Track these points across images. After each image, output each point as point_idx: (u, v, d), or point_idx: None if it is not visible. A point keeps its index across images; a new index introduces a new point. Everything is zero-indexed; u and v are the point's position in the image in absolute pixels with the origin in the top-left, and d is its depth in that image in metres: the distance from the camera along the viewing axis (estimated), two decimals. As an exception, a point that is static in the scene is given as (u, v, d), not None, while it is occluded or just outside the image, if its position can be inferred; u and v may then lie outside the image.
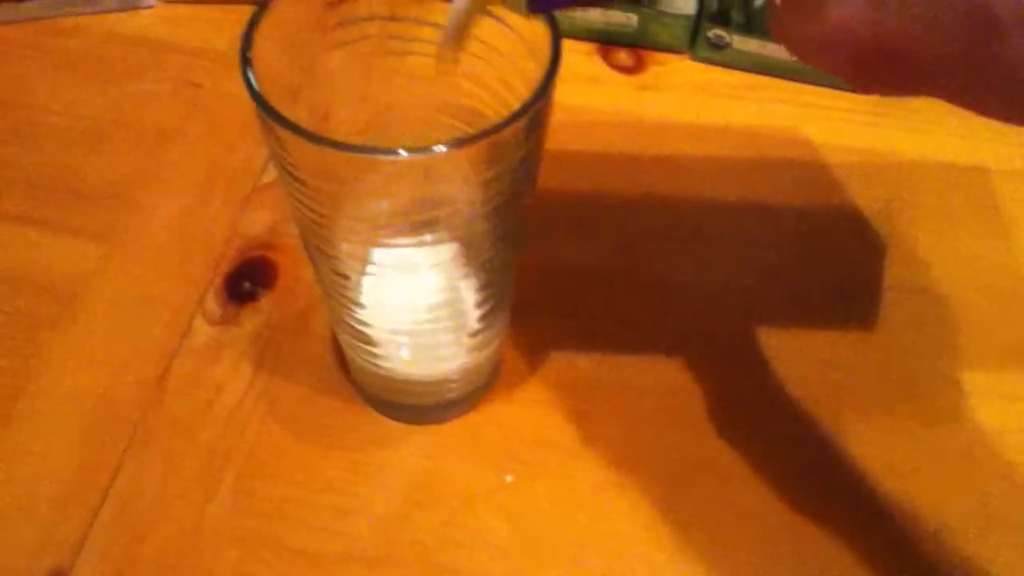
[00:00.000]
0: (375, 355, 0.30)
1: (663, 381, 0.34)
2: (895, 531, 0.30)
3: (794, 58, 0.42)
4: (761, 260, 0.37)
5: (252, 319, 0.35)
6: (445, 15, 0.25)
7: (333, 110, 0.30)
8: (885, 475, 0.32)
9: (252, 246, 0.37)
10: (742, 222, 0.39)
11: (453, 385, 0.32)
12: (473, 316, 0.29)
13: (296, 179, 0.24)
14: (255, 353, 0.34)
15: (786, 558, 0.30)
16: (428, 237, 0.25)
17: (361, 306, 0.28)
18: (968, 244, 0.38)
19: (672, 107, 0.43)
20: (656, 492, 0.31)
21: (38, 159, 0.40)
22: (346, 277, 0.27)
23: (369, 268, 0.27)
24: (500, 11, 0.26)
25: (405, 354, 0.30)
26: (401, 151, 0.22)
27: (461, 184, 0.24)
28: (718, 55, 0.45)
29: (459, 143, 0.22)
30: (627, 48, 0.46)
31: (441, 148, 0.22)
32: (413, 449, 0.32)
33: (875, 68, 0.18)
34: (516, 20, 0.26)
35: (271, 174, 0.40)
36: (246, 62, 0.23)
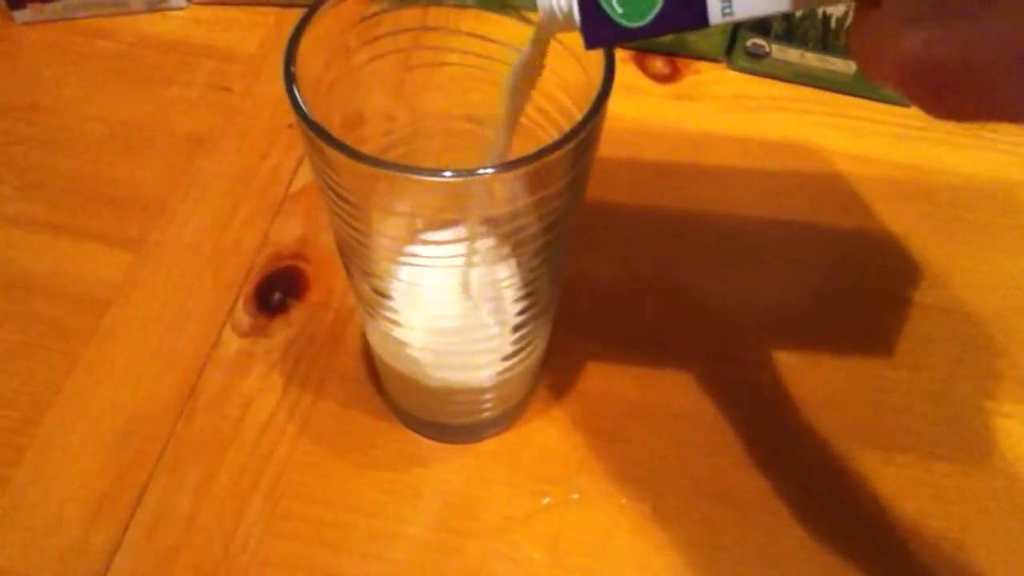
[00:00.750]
0: (411, 360, 0.29)
1: (705, 407, 0.33)
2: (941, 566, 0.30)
3: (841, 70, 0.42)
4: (801, 279, 0.37)
5: (283, 331, 0.35)
6: (505, 47, 0.25)
7: (366, 119, 0.29)
8: (925, 506, 0.31)
9: (283, 256, 0.37)
10: (780, 238, 0.38)
11: (488, 401, 0.31)
12: (513, 315, 0.28)
13: (340, 198, 0.23)
14: (286, 366, 0.34)
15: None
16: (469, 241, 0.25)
17: (395, 312, 0.27)
18: (1009, 263, 0.37)
19: (708, 118, 0.42)
20: (697, 522, 0.30)
21: (69, 165, 0.39)
22: (388, 297, 0.27)
23: (407, 273, 0.26)
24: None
25: (441, 359, 0.30)
26: (447, 172, 0.21)
27: (507, 202, 0.24)
28: (756, 65, 0.44)
29: (509, 166, 0.21)
30: (663, 56, 0.45)
31: (488, 170, 0.21)
32: (449, 469, 0.31)
33: (955, 97, 0.18)
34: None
35: (301, 181, 0.39)
36: (291, 78, 0.22)
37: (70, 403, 0.33)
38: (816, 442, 0.32)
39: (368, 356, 0.33)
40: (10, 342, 0.34)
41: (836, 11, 0.40)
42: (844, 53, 0.41)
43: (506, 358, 0.29)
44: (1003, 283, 0.37)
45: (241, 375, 0.33)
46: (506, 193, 0.23)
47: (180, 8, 0.46)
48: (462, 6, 0.28)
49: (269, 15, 0.46)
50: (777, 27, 0.42)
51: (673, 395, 0.33)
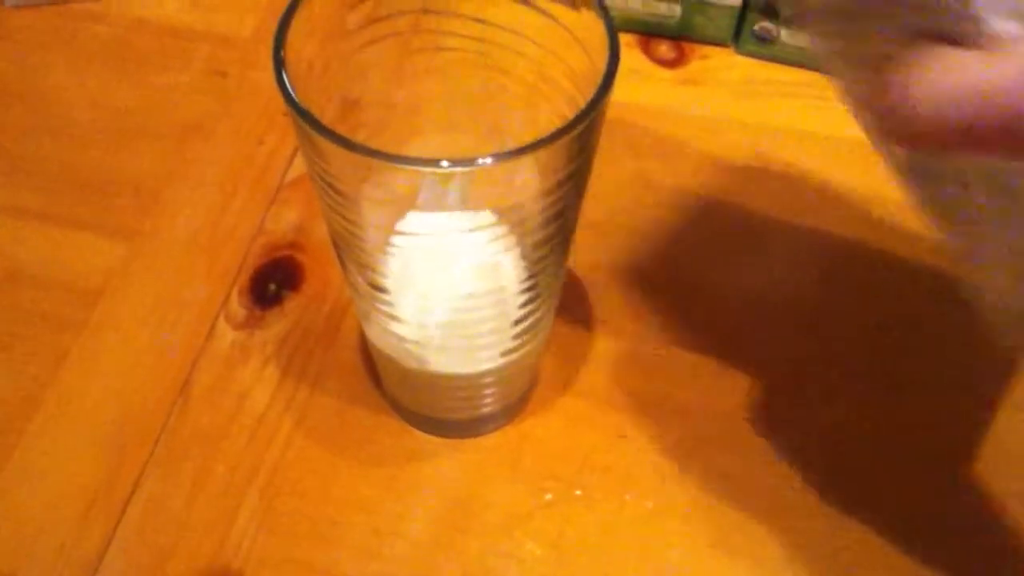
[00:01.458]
0: (410, 355, 0.28)
1: (711, 402, 0.32)
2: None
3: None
4: (812, 270, 0.36)
5: (278, 323, 0.34)
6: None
7: (363, 104, 0.29)
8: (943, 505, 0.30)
9: (278, 246, 0.36)
10: (792, 228, 0.37)
11: (489, 395, 0.30)
12: (515, 307, 0.27)
13: (333, 188, 0.22)
14: (282, 359, 0.33)
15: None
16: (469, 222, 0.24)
17: (392, 305, 0.26)
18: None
19: (716, 103, 0.41)
20: (703, 520, 0.30)
21: (59, 152, 0.38)
22: (384, 290, 0.26)
23: (403, 264, 0.26)
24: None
25: (441, 353, 0.29)
26: (444, 162, 0.20)
27: (508, 193, 0.23)
28: (764, 49, 0.43)
29: (508, 155, 0.20)
30: (669, 40, 0.44)
31: (487, 160, 0.20)
32: (449, 465, 0.31)
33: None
34: (558, 9, 0.24)
35: (297, 169, 0.38)
36: (280, 64, 0.21)
37: (61, 397, 0.32)
38: (826, 438, 0.31)
39: (366, 349, 0.33)
40: (-1, 334, 0.33)
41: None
42: None
43: (507, 351, 0.28)
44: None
45: (236, 368, 0.33)
46: (507, 183, 0.22)
47: (174, -9, 0.45)
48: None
49: (264, -1, 0.45)
50: (785, 10, 0.41)
51: (679, 389, 0.32)
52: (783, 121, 0.40)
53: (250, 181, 0.38)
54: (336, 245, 0.26)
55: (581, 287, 0.35)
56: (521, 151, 0.20)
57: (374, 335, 0.28)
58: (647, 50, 0.44)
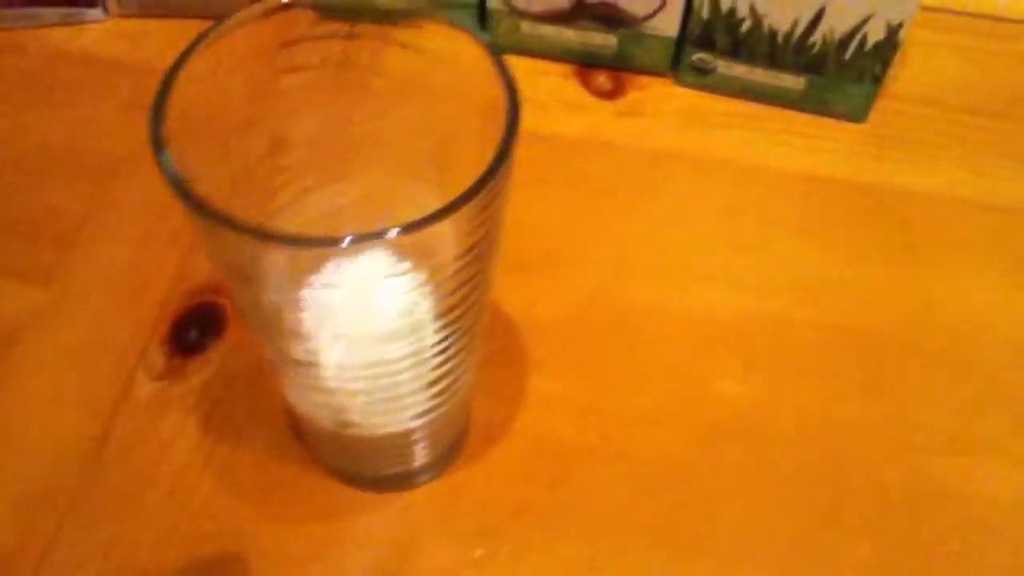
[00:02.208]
0: (329, 408, 0.27)
1: (649, 445, 0.31)
2: None
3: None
4: (756, 306, 0.35)
5: (199, 372, 0.32)
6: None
7: (287, 147, 0.28)
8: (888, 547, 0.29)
9: (201, 290, 0.34)
10: (734, 263, 0.36)
11: (415, 447, 0.29)
12: (433, 356, 0.26)
13: (236, 273, 0.21)
14: (203, 411, 0.31)
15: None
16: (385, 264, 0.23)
17: (307, 353, 0.25)
18: (982, 285, 0.36)
19: (655, 135, 0.41)
20: (640, 570, 0.29)
21: (-30, 193, 0.37)
22: (297, 338, 0.25)
23: (313, 317, 0.24)
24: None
25: (361, 403, 0.28)
26: (347, 239, 0.19)
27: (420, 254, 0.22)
28: (703, 79, 0.42)
29: (405, 229, 0.19)
30: (607, 71, 0.43)
31: (393, 232, 0.19)
32: (377, 522, 0.29)
33: None
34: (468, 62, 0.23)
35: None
36: (159, 144, 0.20)
37: (-34, 457, 0.30)
38: (769, 478, 0.31)
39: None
40: (-98, 389, 0.32)
41: (783, 26, 0.39)
42: (794, 68, 0.40)
43: (430, 396, 0.27)
44: (959, 299, 0.35)
45: (154, 422, 0.31)
46: (413, 248, 0.21)
47: (98, 21, 0.44)
48: (392, 20, 0.26)
49: (191, 27, 0.43)
50: (723, 42, 0.41)
51: (615, 432, 0.31)
52: (723, 152, 0.40)
53: (173, 222, 0.36)
54: (242, 310, 0.24)
55: (514, 327, 0.34)
56: (421, 223, 0.19)
57: (291, 394, 0.27)
58: (585, 81, 0.43)
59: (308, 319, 0.24)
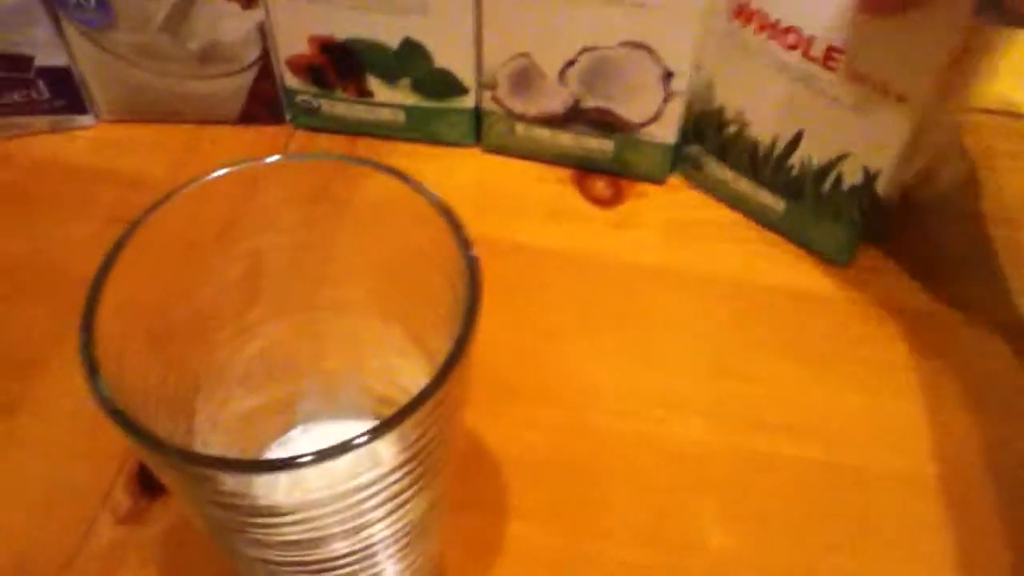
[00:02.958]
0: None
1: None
2: None
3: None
4: (747, 447, 0.33)
5: (163, 517, 0.31)
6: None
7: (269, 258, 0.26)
8: None
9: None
10: (727, 396, 0.34)
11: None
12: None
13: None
14: (162, 562, 0.30)
15: None
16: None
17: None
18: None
19: (646, 250, 0.39)
20: None
21: (-60, 316, 0.36)
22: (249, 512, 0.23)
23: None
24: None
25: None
26: (304, 457, 0.18)
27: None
28: (696, 176, 0.41)
29: (338, 450, 0.18)
30: (606, 176, 0.42)
31: (343, 459, 0.18)
32: None
33: None
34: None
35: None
36: (92, 366, 0.18)
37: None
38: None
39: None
40: None
41: (764, 139, 0.37)
42: (773, 186, 0.38)
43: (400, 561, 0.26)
44: (974, 436, 0.33)
45: (112, 573, 0.30)
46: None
47: (87, 127, 0.43)
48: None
49: (181, 132, 0.43)
50: (712, 139, 0.39)
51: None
52: (716, 268, 0.38)
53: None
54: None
55: (492, 469, 0.32)
56: (343, 448, 0.17)
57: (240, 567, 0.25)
58: (583, 186, 0.42)
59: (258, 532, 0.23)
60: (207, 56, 0.40)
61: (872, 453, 0.33)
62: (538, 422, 0.33)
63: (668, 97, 0.38)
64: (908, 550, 0.30)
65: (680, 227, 0.40)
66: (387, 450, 0.19)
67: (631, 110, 0.39)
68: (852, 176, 0.35)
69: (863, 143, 0.34)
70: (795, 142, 0.36)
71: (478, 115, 0.42)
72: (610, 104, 0.39)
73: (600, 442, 0.33)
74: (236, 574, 0.29)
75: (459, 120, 0.42)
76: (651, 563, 0.30)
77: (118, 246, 0.20)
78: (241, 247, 0.23)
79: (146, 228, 0.21)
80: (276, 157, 0.23)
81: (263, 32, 0.40)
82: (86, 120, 0.43)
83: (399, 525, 0.22)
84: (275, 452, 0.26)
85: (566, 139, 0.41)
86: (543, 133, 0.42)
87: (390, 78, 0.41)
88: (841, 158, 0.35)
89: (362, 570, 0.24)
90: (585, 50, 0.38)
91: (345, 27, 0.39)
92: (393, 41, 0.39)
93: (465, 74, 0.40)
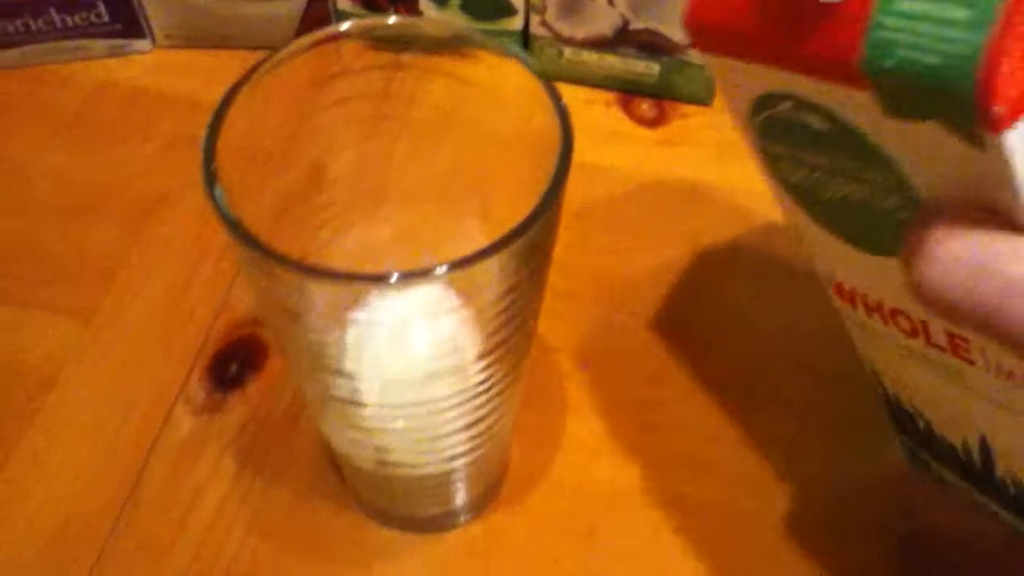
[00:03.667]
0: (368, 446, 0.27)
1: (694, 493, 0.30)
2: None
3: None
4: (802, 355, 0.34)
5: (238, 407, 0.32)
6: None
7: (328, 179, 0.27)
8: None
9: (241, 323, 0.34)
10: (782, 304, 0.35)
11: (452, 488, 0.29)
12: (475, 393, 0.26)
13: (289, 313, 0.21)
14: (240, 449, 0.31)
15: None
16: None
17: (347, 389, 0.25)
18: None
19: (697, 166, 0.40)
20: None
21: (12, 226, 0.37)
22: (339, 375, 0.24)
23: (355, 350, 0.24)
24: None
25: (402, 440, 0.27)
26: (395, 275, 0.19)
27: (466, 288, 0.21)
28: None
29: (454, 265, 0.19)
30: (650, 99, 0.43)
31: (441, 269, 0.19)
32: (413, 564, 0.29)
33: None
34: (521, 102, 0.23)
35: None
36: (211, 179, 0.20)
37: (2, 498, 0.30)
38: (837, 532, 0.30)
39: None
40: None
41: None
42: None
43: (471, 437, 0.27)
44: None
45: (191, 460, 0.31)
46: (459, 286, 0.21)
47: (144, 52, 0.44)
48: (440, 50, 0.26)
49: (236, 58, 0.44)
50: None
51: (657, 479, 0.31)
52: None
53: (214, 254, 0.36)
54: (284, 347, 0.24)
55: (553, 369, 0.33)
56: (472, 258, 0.19)
57: (329, 431, 0.27)
58: (628, 109, 0.43)
59: (350, 357, 0.24)
60: (262, -21, 0.41)
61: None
62: (596, 322, 0.34)
63: (716, 17, 0.39)
64: None
65: (727, 146, 0.41)
66: (496, 272, 0.20)
67: (679, 31, 0.40)
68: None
69: None
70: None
71: (526, 38, 0.43)
72: (659, 25, 0.40)
73: (661, 344, 0.34)
74: (307, 458, 0.31)
75: (507, 42, 0.42)
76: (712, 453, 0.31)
77: (240, 83, 0.21)
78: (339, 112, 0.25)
79: (270, 73, 0.22)
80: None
81: (318, -45, 0.41)
82: (143, 45, 0.44)
83: (492, 370, 0.24)
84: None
85: (613, 62, 0.42)
86: (590, 56, 0.42)
87: (440, 0, 0.42)
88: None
89: (450, 421, 0.25)
90: (636, -31, 0.38)
91: (399, -52, 0.40)
92: (445, -38, 0.40)
93: (514, -6, 0.41)
